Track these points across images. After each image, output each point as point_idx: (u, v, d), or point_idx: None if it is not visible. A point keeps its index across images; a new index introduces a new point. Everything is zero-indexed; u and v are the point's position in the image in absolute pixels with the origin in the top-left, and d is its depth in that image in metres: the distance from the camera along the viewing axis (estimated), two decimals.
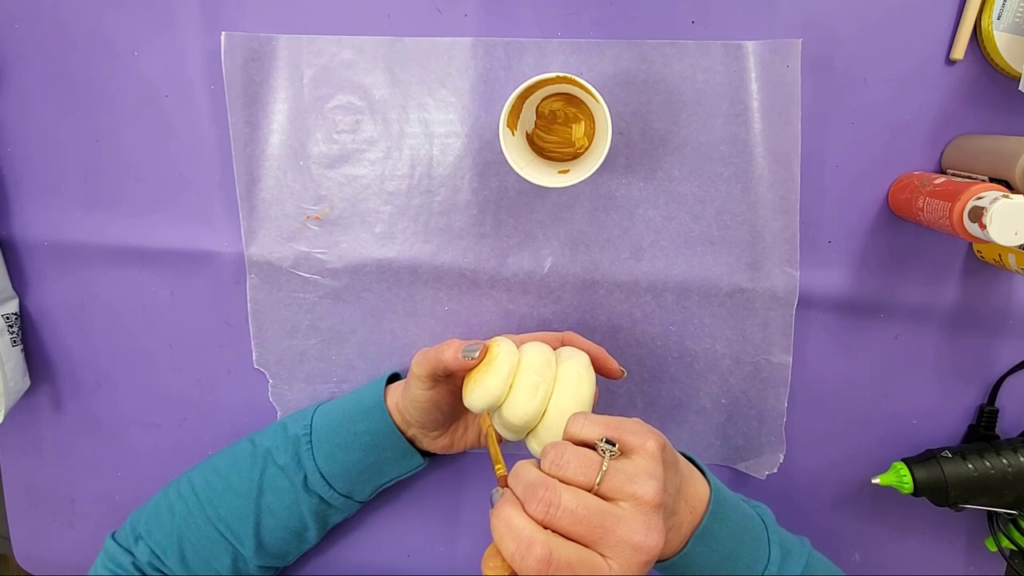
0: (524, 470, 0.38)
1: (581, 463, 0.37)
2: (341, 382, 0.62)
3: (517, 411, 0.45)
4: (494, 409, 0.46)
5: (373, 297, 0.60)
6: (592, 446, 0.39)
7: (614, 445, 0.38)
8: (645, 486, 0.37)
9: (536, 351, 0.47)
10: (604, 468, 0.37)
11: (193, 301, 0.62)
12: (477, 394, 0.45)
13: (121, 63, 0.59)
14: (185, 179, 0.60)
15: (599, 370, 0.50)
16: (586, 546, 0.35)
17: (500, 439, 0.57)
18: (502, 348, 0.46)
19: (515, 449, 0.61)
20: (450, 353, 0.47)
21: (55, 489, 0.68)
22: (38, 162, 0.61)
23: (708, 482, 0.46)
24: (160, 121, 0.59)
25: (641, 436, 0.39)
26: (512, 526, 0.35)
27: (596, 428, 0.40)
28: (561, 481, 0.37)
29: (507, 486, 0.39)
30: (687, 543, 0.43)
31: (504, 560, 0.36)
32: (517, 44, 0.55)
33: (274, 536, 0.55)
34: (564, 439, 0.40)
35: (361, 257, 0.59)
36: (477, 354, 0.46)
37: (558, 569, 0.34)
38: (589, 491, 0.37)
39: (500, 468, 0.41)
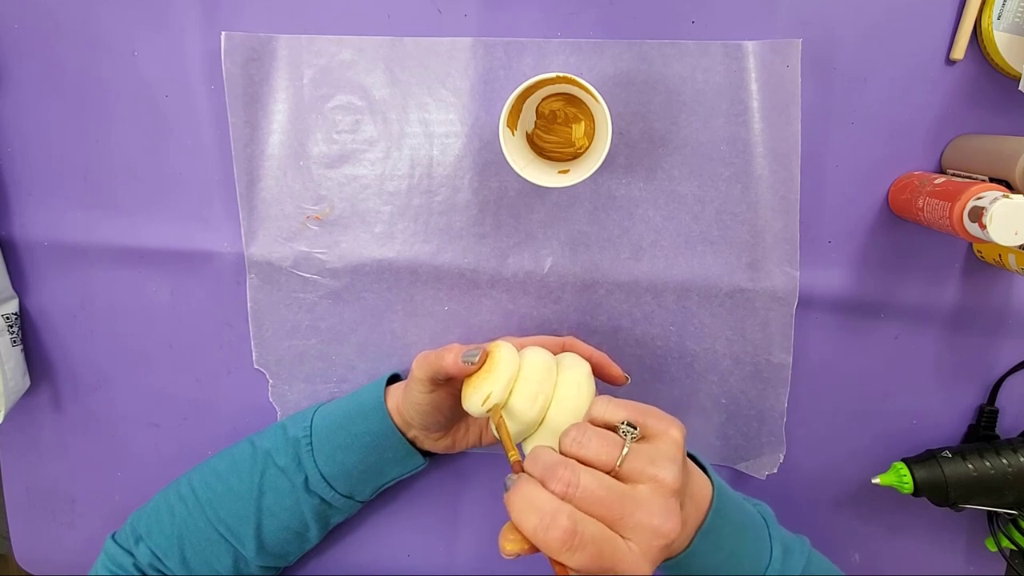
0: (543, 453, 0.38)
1: (603, 444, 0.38)
2: (341, 382, 0.62)
3: (514, 418, 0.44)
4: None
5: (373, 297, 0.60)
6: (614, 429, 0.39)
7: (635, 428, 0.39)
8: (666, 470, 0.37)
9: (538, 358, 0.46)
10: (625, 450, 0.37)
11: (193, 301, 0.62)
12: (475, 400, 0.45)
13: (120, 63, 0.59)
14: (185, 179, 0.60)
15: (601, 376, 0.50)
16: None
17: (494, 439, 0.57)
18: (502, 354, 0.46)
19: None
20: (450, 358, 0.47)
21: (55, 489, 0.68)
22: (38, 162, 0.61)
23: (710, 479, 0.46)
24: (160, 121, 0.59)
25: (665, 423, 0.40)
26: (534, 501, 0.35)
27: (620, 411, 0.40)
28: (581, 461, 0.37)
29: (522, 471, 0.38)
30: (692, 541, 0.43)
31: (521, 536, 0.35)
32: (517, 44, 0.55)
33: (275, 537, 0.55)
34: (587, 420, 0.40)
35: (361, 257, 0.59)
36: (477, 359, 0.46)
37: (582, 544, 0.34)
38: (609, 473, 0.37)
39: (514, 454, 0.40)
